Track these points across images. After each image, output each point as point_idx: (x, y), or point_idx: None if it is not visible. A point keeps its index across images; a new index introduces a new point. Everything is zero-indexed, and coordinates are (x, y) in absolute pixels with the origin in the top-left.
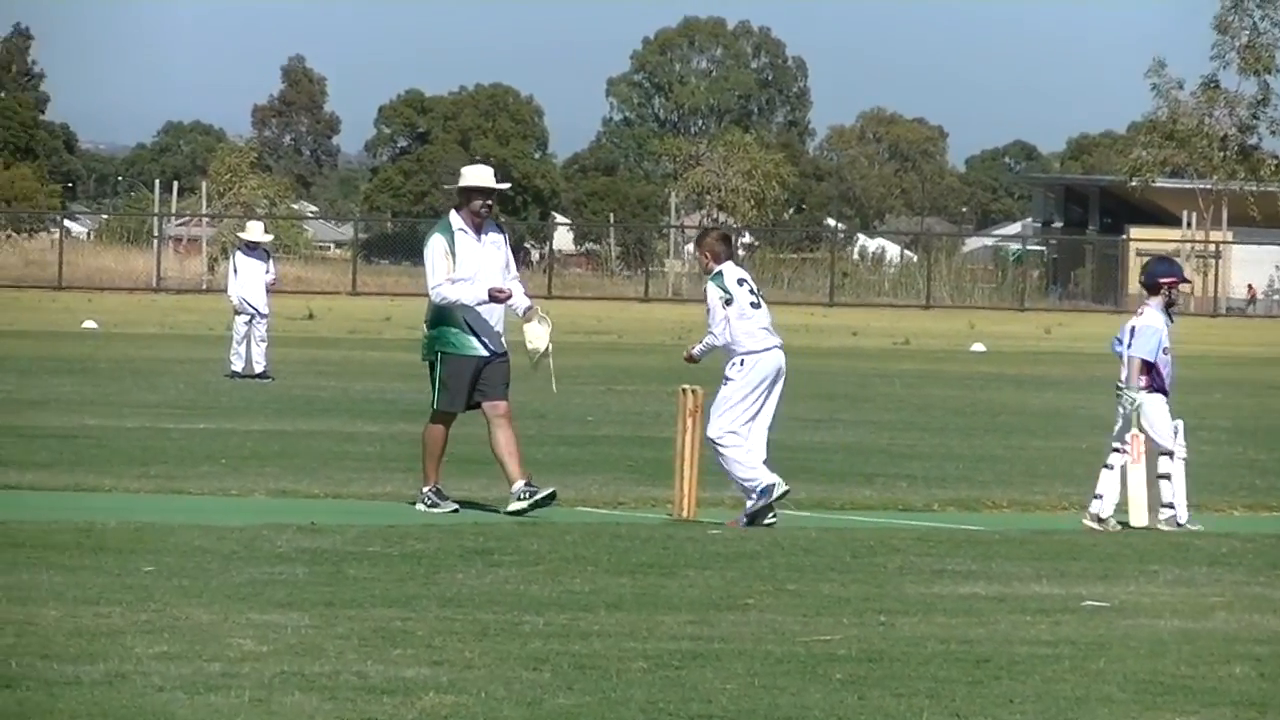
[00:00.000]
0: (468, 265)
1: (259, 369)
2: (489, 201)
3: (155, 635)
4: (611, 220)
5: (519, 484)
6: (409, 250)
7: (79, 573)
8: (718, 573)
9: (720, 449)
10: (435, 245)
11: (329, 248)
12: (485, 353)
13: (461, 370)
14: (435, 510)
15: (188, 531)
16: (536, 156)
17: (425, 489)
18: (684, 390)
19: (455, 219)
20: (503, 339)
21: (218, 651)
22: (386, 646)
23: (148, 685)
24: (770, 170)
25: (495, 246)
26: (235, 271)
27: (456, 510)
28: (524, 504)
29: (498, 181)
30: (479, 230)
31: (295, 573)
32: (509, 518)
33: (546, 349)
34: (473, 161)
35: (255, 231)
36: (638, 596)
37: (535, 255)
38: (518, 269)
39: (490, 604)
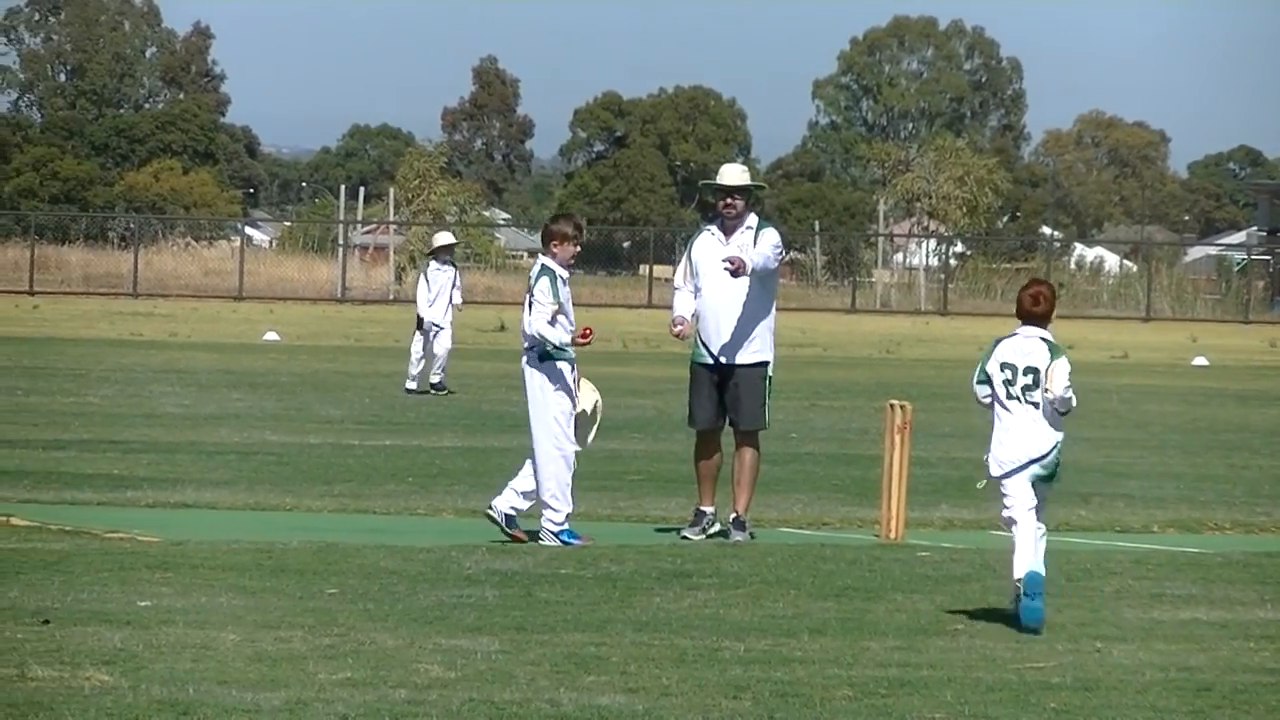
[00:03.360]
0: (703, 270)
1: (435, 380)
2: (729, 200)
3: (338, 661)
4: (817, 228)
5: (731, 515)
6: (605, 259)
7: (259, 595)
8: (926, 597)
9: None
10: (689, 247)
11: (521, 256)
12: (710, 360)
13: (695, 381)
14: (688, 534)
15: (373, 552)
16: (739, 161)
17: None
18: (892, 405)
19: (716, 225)
20: (749, 345)
21: (404, 678)
22: (579, 673)
23: (330, 713)
24: (983, 176)
25: (740, 250)
26: (428, 284)
27: (689, 537)
28: (705, 535)
29: (751, 180)
30: (730, 232)
31: (485, 596)
32: (709, 539)
33: (594, 409)
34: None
35: (444, 237)
36: (843, 621)
37: None
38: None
39: (688, 629)
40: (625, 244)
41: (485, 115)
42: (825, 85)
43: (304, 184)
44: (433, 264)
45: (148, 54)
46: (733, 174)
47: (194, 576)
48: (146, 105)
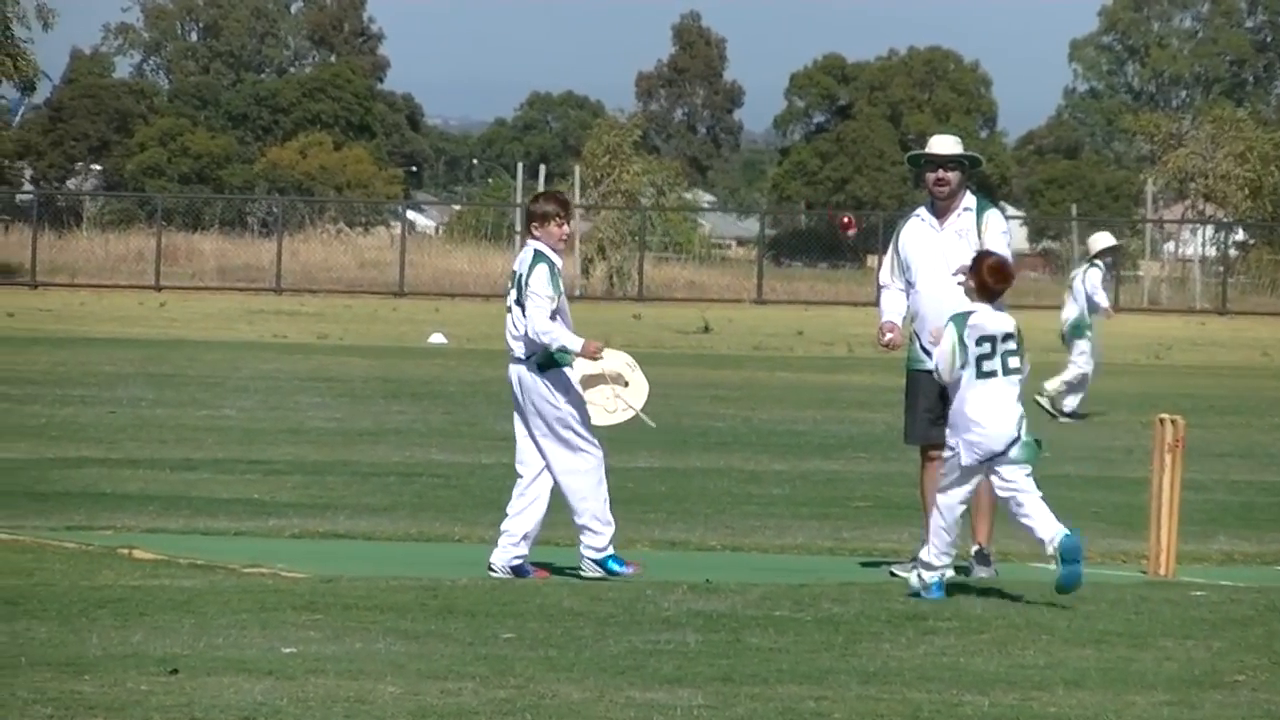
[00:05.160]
0: (915, 262)
1: (1070, 407)
2: (943, 175)
3: (515, 717)
4: (1074, 213)
5: (973, 547)
6: (826, 250)
7: (423, 640)
8: (1201, 643)
9: None
10: (895, 238)
11: (729, 246)
12: (931, 366)
13: (913, 389)
14: (898, 571)
15: (555, 591)
16: (983, 135)
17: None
18: (1162, 420)
19: (924, 207)
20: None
21: None
22: None
23: None
24: (1269, 152)
25: (958, 235)
26: (1093, 292)
27: (898, 574)
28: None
29: (965, 151)
30: (942, 215)
31: (685, 641)
32: (953, 576)
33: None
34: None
35: (1106, 238)
36: (1103, 672)
37: None
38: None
39: (923, 680)
40: (850, 232)
41: (687, 81)
42: (1084, 46)
43: (475, 161)
44: (1094, 269)
45: (293, 9)
46: (944, 143)
47: (347, 618)
48: (291, 69)
